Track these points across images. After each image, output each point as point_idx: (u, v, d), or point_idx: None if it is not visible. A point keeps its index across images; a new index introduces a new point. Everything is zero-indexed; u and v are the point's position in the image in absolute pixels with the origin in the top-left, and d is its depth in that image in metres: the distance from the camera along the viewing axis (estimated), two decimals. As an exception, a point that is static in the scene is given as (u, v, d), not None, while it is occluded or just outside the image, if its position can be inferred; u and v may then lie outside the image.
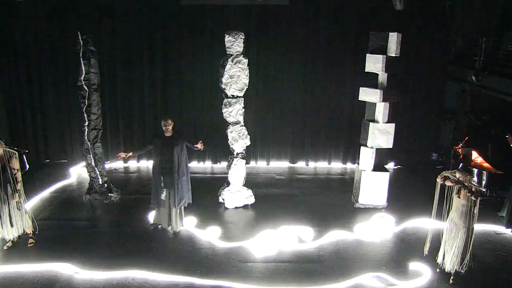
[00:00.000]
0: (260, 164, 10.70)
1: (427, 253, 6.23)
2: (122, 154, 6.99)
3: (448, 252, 5.96)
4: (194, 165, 10.59)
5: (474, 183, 5.74)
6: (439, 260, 6.09)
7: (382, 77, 7.83)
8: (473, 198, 5.57)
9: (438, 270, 6.10)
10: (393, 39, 7.60)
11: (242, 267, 6.29)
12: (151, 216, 7.55)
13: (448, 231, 5.99)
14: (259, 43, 9.91)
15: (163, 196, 7.05)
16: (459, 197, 5.78)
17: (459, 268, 5.85)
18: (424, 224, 7.54)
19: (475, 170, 8.29)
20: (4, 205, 6.30)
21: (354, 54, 9.85)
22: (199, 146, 7.11)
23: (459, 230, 5.80)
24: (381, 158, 8.32)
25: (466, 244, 5.78)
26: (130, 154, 7.11)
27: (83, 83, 7.86)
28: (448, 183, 5.78)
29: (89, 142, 8.12)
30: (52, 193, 8.78)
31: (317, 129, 10.52)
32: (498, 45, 8.75)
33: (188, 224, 7.43)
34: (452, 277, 5.91)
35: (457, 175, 5.74)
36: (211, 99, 9.91)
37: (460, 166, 8.87)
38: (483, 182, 8.26)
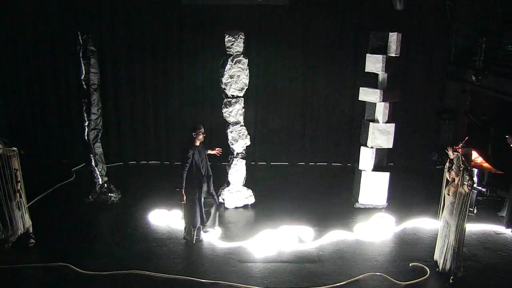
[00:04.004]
0: (260, 164, 10.70)
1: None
2: (183, 201, 6.61)
3: (442, 251, 5.99)
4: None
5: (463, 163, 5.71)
6: (436, 258, 6.12)
7: (382, 77, 7.84)
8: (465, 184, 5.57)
9: (437, 269, 6.11)
10: (393, 39, 7.60)
11: (242, 267, 6.29)
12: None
13: (441, 229, 6.03)
14: (259, 43, 9.90)
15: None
16: (448, 194, 5.81)
17: (453, 267, 5.86)
18: (424, 224, 7.55)
19: (475, 170, 8.28)
20: (4, 205, 6.29)
21: (354, 54, 9.86)
22: (215, 152, 7.11)
23: (451, 228, 5.82)
24: (381, 158, 8.32)
25: (458, 243, 5.79)
26: (183, 189, 6.58)
27: (83, 83, 7.86)
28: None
29: (89, 142, 8.13)
30: (52, 193, 8.78)
31: (317, 129, 10.52)
32: (498, 45, 8.74)
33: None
34: (451, 277, 5.91)
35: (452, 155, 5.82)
36: (211, 99, 9.91)
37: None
38: (483, 182, 8.26)
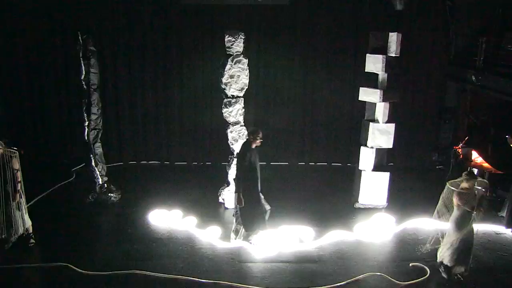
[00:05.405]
0: (260, 164, 10.65)
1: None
2: (241, 204, 6.47)
3: (447, 253, 5.96)
4: (194, 165, 10.61)
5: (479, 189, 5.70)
6: (441, 259, 6.11)
7: (382, 77, 7.84)
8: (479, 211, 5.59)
9: (441, 270, 6.08)
10: (393, 39, 7.60)
11: (242, 267, 6.29)
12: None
13: (449, 233, 5.97)
14: (259, 43, 9.91)
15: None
16: (459, 204, 5.73)
17: (457, 270, 5.85)
18: (424, 224, 7.55)
19: (475, 170, 8.29)
20: (4, 205, 6.29)
21: (354, 54, 9.86)
22: None
23: (458, 233, 5.80)
24: (381, 158, 8.32)
25: (466, 245, 5.77)
26: (241, 193, 6.44)
27: (83, 83, 7.86)
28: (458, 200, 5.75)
29: (89, 142, 8.13)
30: (52, 193, 8.78)
31: (317, 129, 10.52)
32: (498, 45, 8.74)
33: (188, 224, 7.44)
34: (460, 277, 5.90)
35: (463, 185, 5.71)
36: (211, 99, 9.91)
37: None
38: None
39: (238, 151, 6.61)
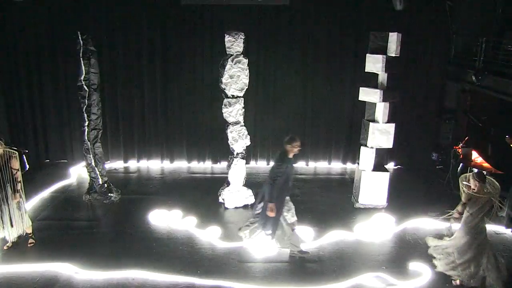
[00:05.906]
0: (260, 164, 10.70)
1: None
2: (273, 214, 6.13)
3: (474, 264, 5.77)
4: (194, 165, 10.61)
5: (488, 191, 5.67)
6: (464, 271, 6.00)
7: (382, 77, 7.84)
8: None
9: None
10: (393, 39, 7.60)
11: (242, 267, 6.29)
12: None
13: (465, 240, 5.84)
14: (259, 43, 9.90)
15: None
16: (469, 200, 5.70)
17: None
18: (424, 224, 7.55)
19: (475, 170, 8.28)
20: (4, 205, 6.29)
21: (354, 54, 9.85)
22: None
23: (462, 237, 5.75)
24: (381, 158, 8.32)
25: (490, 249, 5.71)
26: (274, 203, 6.13)
27: (83, 83, 7.86)
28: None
29: (89, 142, 8.13)
30: (52, 193, 8.78)
31: (317, 129, 10.51)
32: (498, 45, 8.74)
33: (188, 224, 7.44)
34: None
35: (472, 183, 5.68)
36: (211, 99, 9.91)
37: (461, 166, 8.85)
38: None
39: (275, 160, 6.35)
